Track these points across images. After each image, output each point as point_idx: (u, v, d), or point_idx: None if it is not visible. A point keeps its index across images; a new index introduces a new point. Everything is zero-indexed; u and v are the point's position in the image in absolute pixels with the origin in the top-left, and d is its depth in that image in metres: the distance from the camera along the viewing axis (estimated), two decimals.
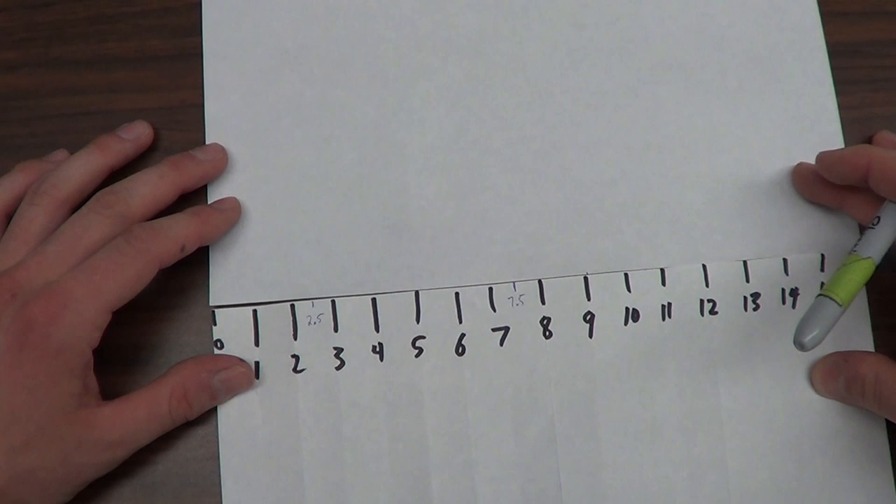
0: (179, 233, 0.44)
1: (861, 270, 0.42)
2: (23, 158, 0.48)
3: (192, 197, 0.48)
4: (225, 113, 0.50)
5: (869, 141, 0.50)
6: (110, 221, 0.43)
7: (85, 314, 0.41)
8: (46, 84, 0.51)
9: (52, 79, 0.51)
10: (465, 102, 0.50)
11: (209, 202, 0.48)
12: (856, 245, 0.43)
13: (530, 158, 0.49)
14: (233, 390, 0.46)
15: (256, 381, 0.46)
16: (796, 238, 0.48)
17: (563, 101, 0.50)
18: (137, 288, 0.42)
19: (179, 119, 0.50)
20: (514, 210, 0.49)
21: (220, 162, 0.48)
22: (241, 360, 0.46)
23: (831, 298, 0.41)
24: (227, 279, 0.48)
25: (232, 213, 0.48)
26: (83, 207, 0.44)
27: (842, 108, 0.50)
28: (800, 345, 0.41)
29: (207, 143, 0.49)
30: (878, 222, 0.43)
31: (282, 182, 0.49)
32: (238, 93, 0.50)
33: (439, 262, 0.48)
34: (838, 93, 0.51)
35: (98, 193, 0.44)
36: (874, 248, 0.43)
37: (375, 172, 0.49)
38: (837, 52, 0.51)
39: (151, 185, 0.45)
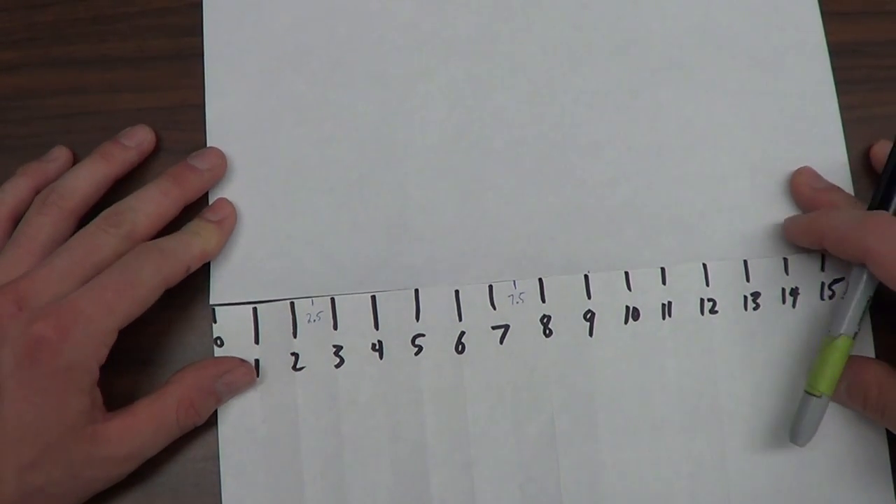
0: (186, 255, 0.45)
1: (836, 351, 0.43)
2: (23, 158, 0.48)
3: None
4: (226, 113, 0.50)
5: (868, 150, 0.50)
6: (117, 241, 0.43)
7: (94, 332, 0.41)
8: (46, 84, 0.51)
9: (52, 79, 0.51)
10: (465, 103, 0.50)
11: (209, 201, 0.49)
12: (830, 326, 0.44)
13: (531, 158, 0.49)
14: (236, 391, 0.46)
15: (256, 379, 0.46)
16: None
17: (563, 102, 0.50)
18: (144, 307, 0.43)
19: (179, 119, 0.50)
20: (515, 210, 0.49)
21: (220, 168, 0.49)
22: (242, 359, 0.46)
23: (814, 395, 0.43)
24: (227, 278, 0.48)
25: (230, 221, 0.48)
26: (91, 225, 0.44)
27: (842, 108, 0.50)
28: (795, 444, 0.44)
29: (209, 144, 0.49)
30: (845, 291, 0.44)
31: (282, 181, 0.49)
32: (239, 93, 0.50)
33: (440, 262, 0.48)
34: (838, 93, 0.51)
35: (105, 212, 0.44)
36: (845, 323, 0.43)
37: (376, 172, 0.49)
38: (837, 52, 0.51)
39: (156, 204, 0.45)
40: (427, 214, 0.49)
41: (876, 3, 0.53)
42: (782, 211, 0.49)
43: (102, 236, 0.43)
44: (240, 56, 0.51)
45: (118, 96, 0.51)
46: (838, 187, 0.49)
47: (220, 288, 0.48)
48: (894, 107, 0.51)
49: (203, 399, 0.44)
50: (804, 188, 0.48)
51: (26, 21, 0.52)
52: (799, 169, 0.49)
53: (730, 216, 0.49)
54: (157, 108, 0.51)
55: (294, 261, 0.48)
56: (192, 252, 0.45)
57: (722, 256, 0.48)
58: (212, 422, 0.46)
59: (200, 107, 0.50)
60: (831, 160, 0.50)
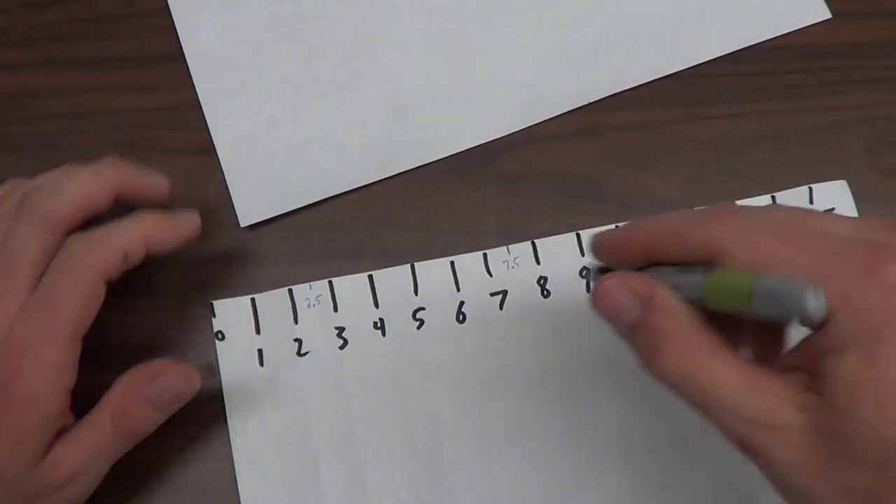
0: (119, 239, 0.39)
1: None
2: (23, 159, 0.48)
3: None
4: (205, 53, 0.52)
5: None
6: (38, 229, 0.39)
7: (47, 358, 0.37)
8: (46, 84, 0.51)
9: (53, 79, 0.52)
10: None
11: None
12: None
13: (504, 15, 0.52)
14: (175, 397, 0.41)
15: (261, 368, 0.46)
16: None
17: None
18: (92, 310, 0.39)
19: (179, 119, 0.51)
20: (503, 65, 0.51)
21: (163, 186, 0.44)
22: (177, 360, 0.42)
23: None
24: (249, 199, 0.49)
25: (187, 221, 0.43)
26: (3, 212, 0.40)
27: (842, 108, 0.50)
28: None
29: (195, 82, 0.51)
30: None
31: (279, 99, 0.51)
32: (213, 31, 0.52)
33: (450, 129, 0.50)
34: (839, 93, 0.51)
35: (20, 195, 0.40)
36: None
37: (365, 66, 0.52)
38: (837, 52, 0.51)
39: (81, 185, 0.40)
40: (424, 91, 0.51)
41: (876, 4, 0.53)
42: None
43: (24, 228, 0.39)
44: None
45: (118, 96, 0.51)
46: None
47: (246, 209, 0.49)
48: (894, 107, 0.51)
49: (137, 406, 0.40)
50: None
51: (26, 21, 0.53)
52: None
53: (708, 19, 0.52)
54: (157, 108, 0.51)
55: (311, 164, 0.49)
56: (127, 235, 0.40)
57: (713, 53, 0.51)
58: (221, 416, 0.45)
59: (201, 107, 0.51)
60: None
